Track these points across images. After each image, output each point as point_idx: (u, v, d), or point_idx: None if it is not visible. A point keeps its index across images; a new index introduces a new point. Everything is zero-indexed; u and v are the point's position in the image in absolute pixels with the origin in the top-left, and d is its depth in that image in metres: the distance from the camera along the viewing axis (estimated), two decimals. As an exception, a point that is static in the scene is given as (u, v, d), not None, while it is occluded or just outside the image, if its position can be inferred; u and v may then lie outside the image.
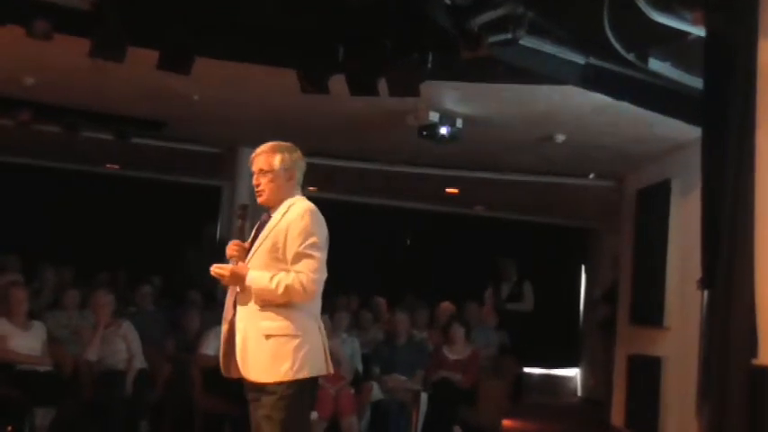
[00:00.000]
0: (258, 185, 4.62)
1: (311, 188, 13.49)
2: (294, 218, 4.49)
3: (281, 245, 4.46)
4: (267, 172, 4.59)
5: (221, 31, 6.83)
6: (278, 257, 4.46)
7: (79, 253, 11.15)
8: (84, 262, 10.88)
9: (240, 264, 4.51)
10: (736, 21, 4.74)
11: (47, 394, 7.57)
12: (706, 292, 5.02)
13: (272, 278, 4.40)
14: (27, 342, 7.81)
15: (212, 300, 10.16)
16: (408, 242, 15.57)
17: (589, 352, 14.69)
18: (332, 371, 4.62)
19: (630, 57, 5.89)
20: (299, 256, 4.42)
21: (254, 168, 4.65)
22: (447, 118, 8.33)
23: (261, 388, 4.42)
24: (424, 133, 8.39)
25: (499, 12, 5.60)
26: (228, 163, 11.11)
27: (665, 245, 8.71)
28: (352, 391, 8.50)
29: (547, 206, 13.79)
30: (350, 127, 9.27)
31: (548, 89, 7.29)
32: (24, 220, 11.96)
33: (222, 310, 9.06)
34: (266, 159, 4.61)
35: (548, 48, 6.03)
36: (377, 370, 8.99)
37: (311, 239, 4.44)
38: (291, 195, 4.64)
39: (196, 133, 10.43)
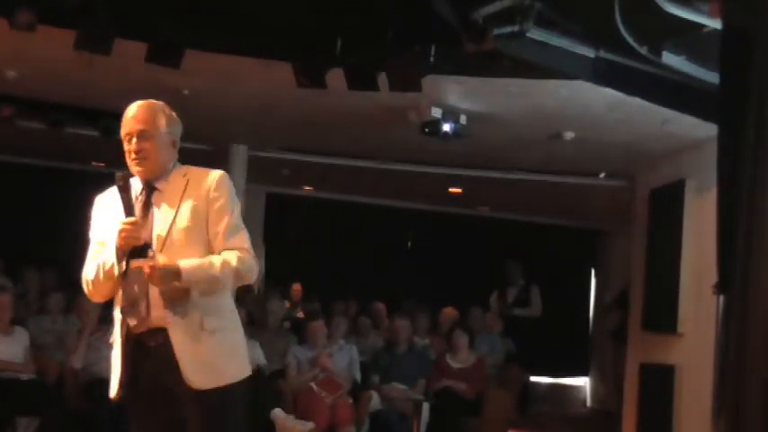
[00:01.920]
0: (139, 151, 3.85)
1: (307, 187, 13.40)
2: (211, 183, 3.88)
3: (202, 220, 3.81)
4: (152, 135, 3.88)
5: (212, 23, 6.69)
6: (200, 237, 3.80)
7: (63, 255, 11.01)
8: (69, 264, 10.64)
9: (156, 255, 3.74)
10: (754, 13, 4.55)
11: (30, 403, 7.49)
12: (722, 297, 4.83)
13: (212, 265, 3.74)
14: (9, 348, 7.72)
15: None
16: (409, 244, 15.42)
17: (599, 360, 14.58)
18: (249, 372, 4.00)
19: (643, 50, 5.74)
20: (233, 230, 3.82)
21: (132, 130, 3.87)
22: (450, 114, 8.16)
23: (197, 394, 3.72)
24: (426, 130, 8.23)
25: (505, 3, 5.49)
26: (220, 161, 10.83)
27: (678, 247, 8.59)
28: (350, 400, 8.39)
29: (555, 207, 13.66)
30: (348, 123, 9.13)
31: (556, 84, 7.13)
32: (6, 220, 11.74)
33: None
34: (147, 120, 3.90)
35: (556, 41, 5.86)
36: (376, 378, 8.89)
37: (237, 209, 3.89)
38: (176, 163, 4.02)
39: (186, 130, 10.13)
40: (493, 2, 5.50)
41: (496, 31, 5.55)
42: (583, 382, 15.37)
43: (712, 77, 5.57)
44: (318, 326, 8.53)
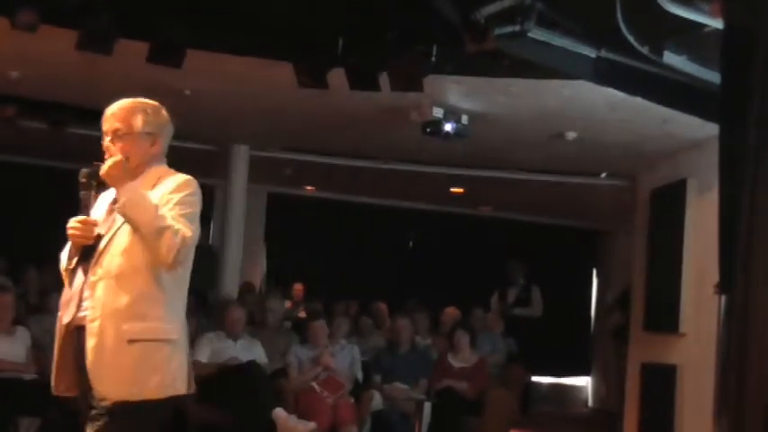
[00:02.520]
0: (109, 151, 3.72)
1: (309, 187, 13.39)
2: (172, 187, 3.67)
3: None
4: (125, 135, 3.70)
5: (214, 23, 6.68)
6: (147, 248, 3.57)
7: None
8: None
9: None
10: (756, 12, 4.53)
11: (31, 403, 7.34)
12: (723, 297, 4.79)
13: (157, 206, 3.55)
14: (11, 349, 7.63)
15: (206, 304, 9.99)
16: (411, 244, 15.39)
17: (601, 360, 14.57)
18: (193, 389, 3.73)
19: (644, 50, 5.74)
20: (178, 214, 3.57)
21: (107, 128, 3.74)
22: (451, 114, 8.15)
23: (113, 407, 3.51)
24: (428, 130, 8.23)
25: (506, 3, 5.50)
26: (222, 162, 10.89)
27: (680, 247, 8.57)
28: (352, 400, 8.32)
29: (556, 206, 13.64)
30: (349, 123, 9.12)
31: (557, 84, 7.13)
32: (8, 220, 11.78)
33: (216, 314, 8.75)
34: (124, 118, 3.73)
35: (557, 40, 5.87)
36: (378, 378, 8.85)
37: (193, 208, 3.63)
38: (155, 166, 3.80)
39: (188, 130, 10.16)
40: (494, 2, 5.50)
41: (498, 31, 5.55)
42: (584, 381, 15.35)
43: (713, 77, 5.55)
44: (320, 325, 8.50)
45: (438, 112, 8.07)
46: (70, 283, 3.69)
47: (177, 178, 3.72)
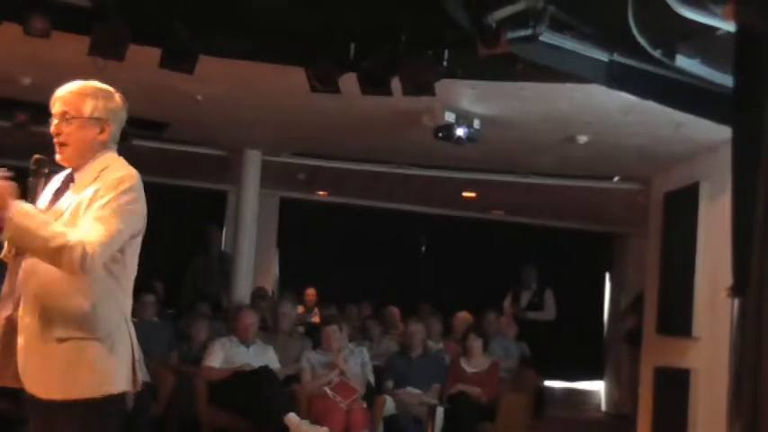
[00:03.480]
0: (57, 135, 3.53)
1: (321, 192, 13.40)
2: (105, 184, 3.46)
3: (82, 213, 3.42)
4: (73, 118, 3.52)
5: (226, 29, 6.72)
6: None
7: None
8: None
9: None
10: (769, 15, 4.52)
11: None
12: (737, 301, 4.85)
13: (48, 225, 3.32)
14: None
15: (219, 310, 10.01)
16: (423, 249, 15.37)
17: (614, 364, 14.50)
18: (139, 387, 3.62)
19: (657, 53, 5.71)
20: (94, 217, 3.37)
21: (55, 111, 3.55)
22: (464, 118, 8.10)
23: (48, 406, 3.40)
24: (440, 134, 8.17)
25: (518, 6, 5.46)
26: (234, 167, 10.90)
27: (693, 251, 8.53)
28: (365, 405, 8.32)
29: (569, 210, 13.61)
30: (361, 128, 9.10)
31: (570, 88, 7.09)
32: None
33: (229, 319, 8.74)
34: (73, 101, 3.54)
35: (570, 44, 5.85)
36: (390, 383, 8.83)
37: (117, 202, 3.42)
38: (103, 154, 3.59)
39: (200, 135, 10.30)
40: (506, 6, 5.46)
41: (510, 35, 5.50)
42: (597, 386, 15.28)
43: (726, 80, 5.52)
44: (333, 330, 8.50)
45: (450, 117, 8.02)
46: (11, 274, 3.51)
47: (114, 174, 3.51)
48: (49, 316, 3.41)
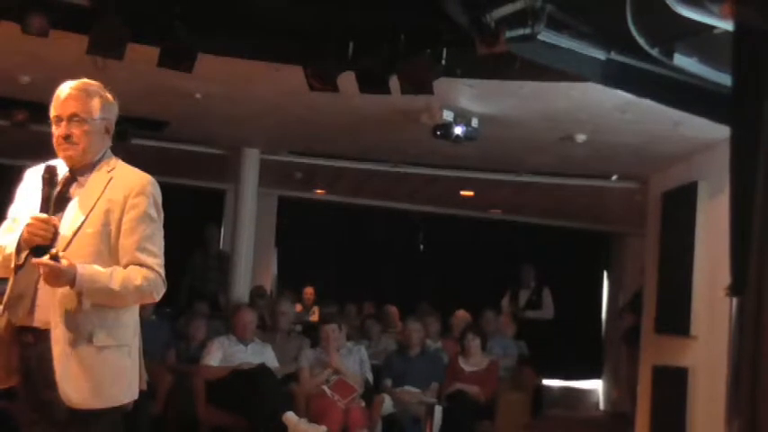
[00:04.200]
0: (68, 137, 3.49)
1: (319, 190, 13.40)
2: (134, 188, 3.51)
3: (113, 226, 3.47)
4: (84, 120, 3.51)
5: (224, 27, 6.68)
6: (107, 245, 3.46)
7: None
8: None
9: (60, 255, 3.33)
10: (766, 14, 4.54)
11: None
12: (735, 300, 4.86)
13: (112, 277, 3.39)
14: None
15: (217, 308, 10.00)
16: (421, 247, 15.36)
17: (612, 363, 14.52)
18: (144, 387, 3.66)
19: (654, 52, 5.67)
20: (144, 245, 3.46)
21: (62, 113, 3.52)
22: (462, 117, 8.11)
23: (77, 414, 3.41)
24: (438, 133, 8.18)
25: (517, 5, 5.42)
26: (232, 165, 10.89)
27: (691, 250, 8.52)
28: (363, 403, 8.31)
29: (567, 209, 13.60)
30: (360, 126, 9.11)
31: (567, 86, 7.09)
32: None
33: (227, 318, 8.72)
34: (83, 103, 3.52)
35: (567, 43, 5.81)
36: (389, 382, 8.82)
37: (155, 223, 3.53)
38: (105, 152, 3.62)
39: (199, 134, 10.30)
40: (504, 4, 5.43)
41: (508, 34, 5.47)
42: (596, 385, 15.27)
43: (724, 79, 5.51)
44: (330, 329, 8.50)
45: (448, 115, 8.03)
46: (17, 279, 3.49)
47: (133, 179, 3.57)
48: (93, 324, 3.44)
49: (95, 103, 3.56)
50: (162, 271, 3.49)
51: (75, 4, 6.35)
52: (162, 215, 3.58)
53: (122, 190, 3.52)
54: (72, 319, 3.41)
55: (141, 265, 3.45)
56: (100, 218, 3.48)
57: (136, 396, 3.56)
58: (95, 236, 3.46)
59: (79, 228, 3.47)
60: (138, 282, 3.42)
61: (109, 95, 3.64)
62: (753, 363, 4.20)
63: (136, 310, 3.60)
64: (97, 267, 3.41)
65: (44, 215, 3.43)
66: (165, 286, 3.54)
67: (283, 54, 6.91)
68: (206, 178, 12.62)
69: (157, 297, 3.53)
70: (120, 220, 3.48)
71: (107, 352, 3.45)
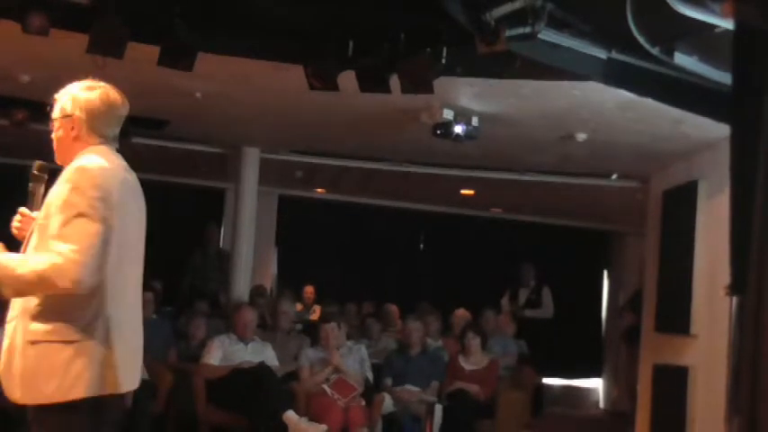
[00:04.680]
0: (51, 135, 3.63)
1: (319, 189, 13.40)
2: (63, 176, 3.45)
3: (49, 218, 3.40)
4: (56, 119, 3.60)
5: (224, 26, 6.67)
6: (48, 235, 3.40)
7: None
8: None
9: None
10: (767, 12, 4.54)
11: None
12: (735, 299, 4.92)
13: (19, 263, 3.34)
14: None
15: (218, 307, 9.98)
16: (422, 246, 15.36)
17: (612, 362, 14.51)
18: (124, 389, 3.45)
19: (655, 51, 5.68)
20: (61, 229, 3.32)
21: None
22: (462, 116, 8.09)
23: (29, 412, 3.39)
24: (438, 132, 8.16)
25: (517, 4, 5.43)
26: (233, 164, 10.89)
27: (692, 249, 8.51)
28: (363, 402, 8.31)
29: (567, 208, 13.60)
30: (360, 125, 9.09)
31: (568, 85, 7.08)
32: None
33: (227, 317, 8.72)
34: (59, 104, 3.60)
35: (568, 42, 5.82)
36: (389, 381, 8.81)
37: (80, 208, 3.34)
38: (85, 151, 3.56)
39: (199, 133, 10.29)
40: (504, 3, 5.43)
41: (509, 33, 5.47)
42: (596, 383, 15.27)
43: (725, 78, 5.52)
44: (330, 328, 8.49)
45: (448, 114, 8.01)
46: None
47: (70, 167, 3.49)
48: (28, 319, 3.38)
49: (67, 103, 3.58)
50: (78, 257, 3.27)
51: (75, 3, 6.33)
52: (91, 199, 3.36)
53: (61, 180, 3.47)
54: (21, 314, 3.39)
55: (52, 251, 3.30)
56: (44, 210, 3.44)
57: (89, 393, 3.34)
58: (41, 228, 3.42)
59: (37, 222, 3.47)
60: (41, 268, 3.28)
61: (85, 92, 3.60)
62: (753, 361, 4.20)
63: (99, 305, 3.38)
64: (11, 255, 3.38)
65: (26, 211, 3.54)
66: (87, 273, 3.29)
67: (283, 53, 6.89)
68: (206, 177, 12.62)
69: (63, 284, 3.26)
70: (50, 207, 3.43)
71: (40, 347, 3.34)
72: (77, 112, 3.56)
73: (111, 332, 3.39)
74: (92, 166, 3.43)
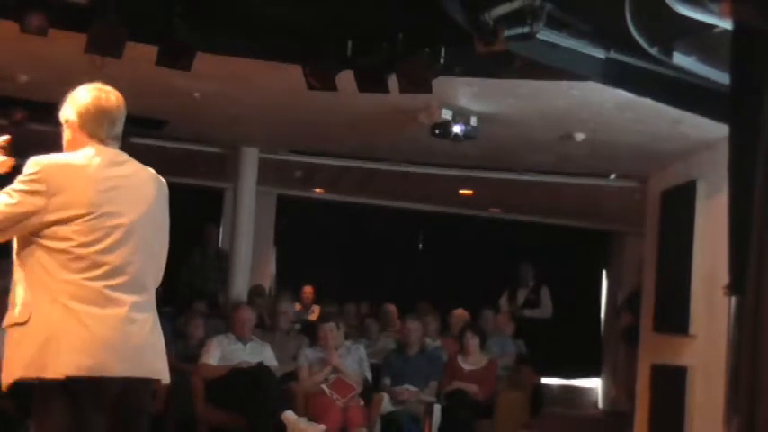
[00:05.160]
0: None
1: (318, 189, 13.39)
2: None
3: None
4: (61, 126, 3.82)
5: (223, 26, 6.69)
6: None
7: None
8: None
9: None
10: (765, 12, 4.54)
11: None
12: (734, 299, 4.86)
13: None
14: None
15: (216, 307, 9.97)
16: (420, 246, 15.35)
17: (611, 361, 14.47)
18: (104, 373, 3.47)
19: (654, 51, 5.70)
20: None
21: None
22: (461, 116, 8.10)
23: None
24: (437, 132, 8.17)
25: (515, 4, 5.45)
26: (231, 164, 10.89)
27: (690, 249, 8.52)
28: (362, 402, 8.30)
29: (566, 208, 13.59)
30: (358, 125, 9.09)
31: (567, 85, 7.09)
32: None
33: (226, 317, 8.71)
34: (62, 109, 3.81)
35: (566, 42, 5.85)
36: (387, 380, 8.80)
37: (16, 187, 3.52)
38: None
39: (197, 133, 10.29)
40: (503, 3, 5.44)
41: (507, 33, 5.49)
42: (595, 383, 15.25)
43: (723, 78, 5.52)
44: (329, 328, 8.49)
45: (447, 114, 8.02)
46: None
47: None
48: (13, 304, 3.54)
49: (64, 108, 3.78)
50: None
51: (73, 2, 6.34)
52: (31, 187, 3.50)
53: None
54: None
55: None
56: None
57: (16, 377, 3.44)
58: None
59: None
60: None
61: (77, 95, 3.75)
62: (752, 361, 4.21)
63: (50, 289, 3.49)
64: None
65: None
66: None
67: (282, 53, 6.90)
68: (205, 177, 12.61)
69: None
70: None
71: (11, 330, 3.49)
72: (72, 116, 3.71)
73: (80, 312, 3.46)
74: (47, 157, 3.56)
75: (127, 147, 3.87)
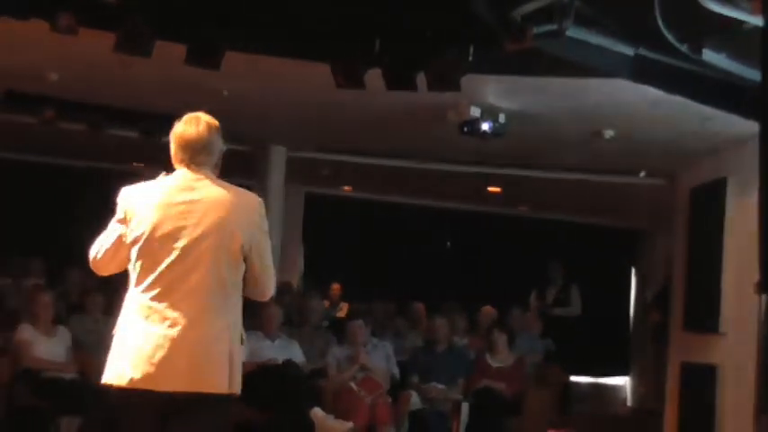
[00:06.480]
0: None
1: (346, 187, 13.41)
2: None
3: None
4: None
5: (252, 25, 6.70)
6: None
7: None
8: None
9: None
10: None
11: (72, 402, 7.43)
12: (764, 297, 4.90)
13: None
14: (52, 348, 7.72)
15: (244, 305, 9.98)
16: (448, 244, 15.35)
17: (640, 359, 14.45)
18: (147, 386, 3.65)
19: (683, 48, 5.66)
20: None
21: None
22: (489, 113, 8.09)
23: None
24: (465, 129, 8.17)
25: (544, 1, 5.45)
26: (259, 162, 10.92)
27: (720, 246, 8.48)
28: (390, 399, 8.30)
29: (595, 206, 13.57)
30: (386, 123, 9.11)
31: (596, 82, 7.06)
32: (48, 221, 11.87)
33: (254, 314, 8.77)
34: None
35: (595, 39, 5.81)
36: (415, 378, 8.80)
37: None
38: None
39: (226, 131, 10.16)
40: (531, 0, 5.45)
41: (535, 30, 5.49)
42: (623, 381, 15.23)
43: (754, 75, 5.50)
44: (358, 325, 8.50)
45: (475, 112, 8.01)
46: None
47: None
48: None
49: None
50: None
51: (103, 2, 6.36)
52: (116, 216, 3.88)
53: None
54: None
55: None
56: None
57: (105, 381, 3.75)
58: None
59: None
60: None
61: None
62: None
63: (131, 304, 3.80)
64: None
65: None
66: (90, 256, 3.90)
67: (310, 52, 6.90)
68: (232, 175, 12.61)
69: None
70: None
71: None
72: (170, 144, 4.04)
73: (152, 326, 3.72)
74: (131, 185, 3.93)
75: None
